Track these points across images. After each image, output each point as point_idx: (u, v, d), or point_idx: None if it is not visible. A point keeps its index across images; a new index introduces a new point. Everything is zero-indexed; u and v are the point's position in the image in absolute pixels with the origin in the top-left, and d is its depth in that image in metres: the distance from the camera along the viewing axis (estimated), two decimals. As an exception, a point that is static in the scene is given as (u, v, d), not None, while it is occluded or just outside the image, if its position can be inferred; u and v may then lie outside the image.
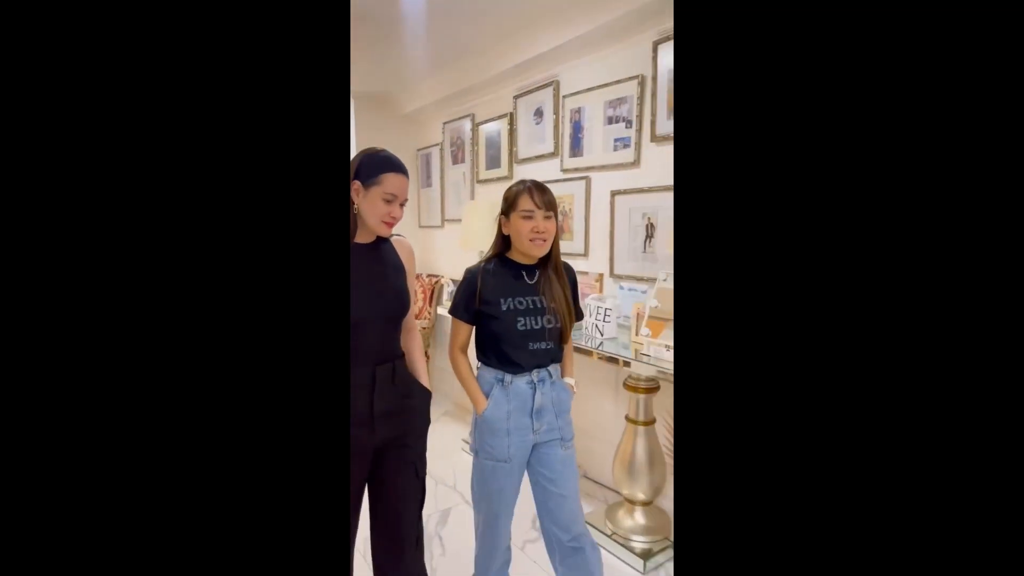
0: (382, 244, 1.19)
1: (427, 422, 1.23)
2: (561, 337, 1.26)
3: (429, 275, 3.42)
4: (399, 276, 1.19)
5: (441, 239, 3.47)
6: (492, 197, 2.70)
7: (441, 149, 3.34)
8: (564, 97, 2.35)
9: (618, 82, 2.07)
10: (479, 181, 3.00)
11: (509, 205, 1.23)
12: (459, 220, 3.00)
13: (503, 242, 1.27)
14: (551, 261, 1.26)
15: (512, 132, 2.70)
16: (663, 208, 1.93)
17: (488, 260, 1.29)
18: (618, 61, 2.09)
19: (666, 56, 1.87)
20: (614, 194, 2.12)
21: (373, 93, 3.36)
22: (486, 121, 2.89)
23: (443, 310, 2.94)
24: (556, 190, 2.38)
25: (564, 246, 2.42)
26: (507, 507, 1.28)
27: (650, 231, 2.00)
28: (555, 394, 1.27)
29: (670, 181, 1.83)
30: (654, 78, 1.92)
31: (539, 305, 1.23)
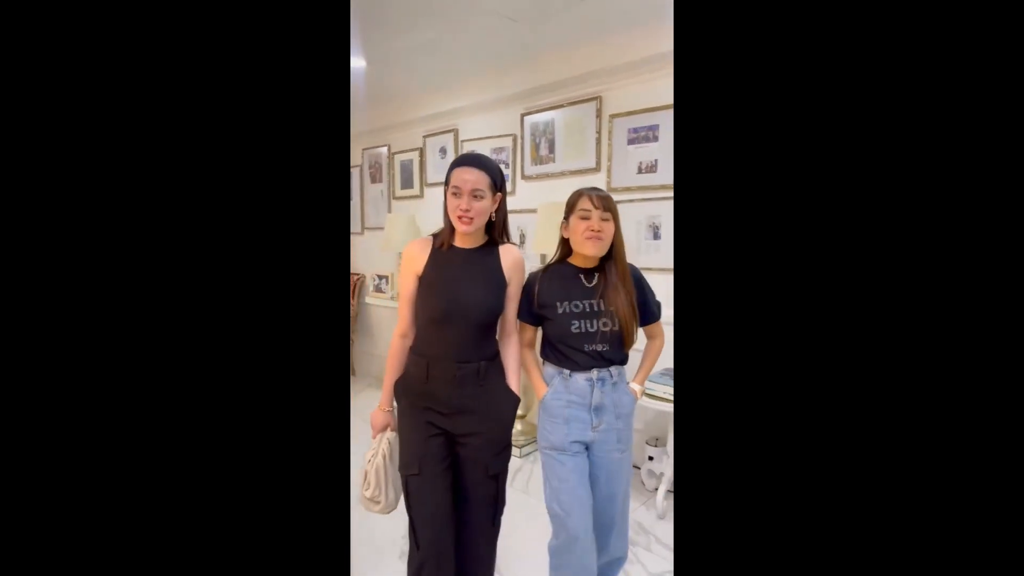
0: (485, 250, 1.24)
1: (507, 425, 1.26)
2: (622, 341, 1.26)
3: (352, 273, 4.12)
4: (494, 283, 1.23)
5: (361, 243, 4.18)
6: (409, 212, 3.51)
7: (361, 170, 4.07)
8: (462, 141, 3.24)
9: (499, 136, 3.02)
10: (395, 198, 3.79)
11: (569, 208, 1.27)
12: (380, 228, 3.76)
13: (564, 246, 1.32)
14: (613, 265, 1.26)
15: (422, 162, 3.53)
16: (530, 223, 2.90)
17: (548, 265, 1.34)
18: (498, 122, 3.03)
19: (528, 123, 2.84)
20: (498, 213, 3.06)
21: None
22: (400, 152, 3.69)
23: (371, 300, 3.69)
24: (457, 208, 3.26)
25: (464, 249, 3.28)
26: (580, 499, 1.24)
27: (522, 239, 2.96)
28: (616, 396, 1.27)
29: (535, 205, 2.78)
30: (521, 137, 2.90)
31: (596, 308, 1.24)
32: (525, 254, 2.94)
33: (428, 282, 1.21)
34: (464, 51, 2.62)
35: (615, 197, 2.61)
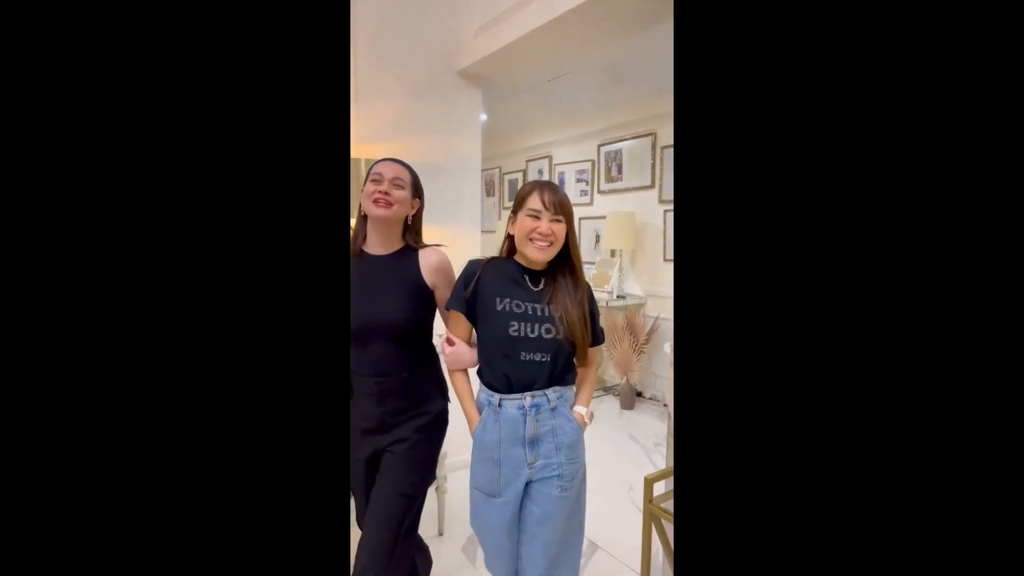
0: (402, 255, 1.15)
1: (432, 445, 1.19)
2: (566, 355, 1.09)
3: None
4: (413, 291, 1.13)
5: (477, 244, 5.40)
6: (513, 218, 4.62)
7: (480, 187, 5.27)
8: (555, 165, 4.28)
9: (581, 161, 4.01)
10: (504, 208, 4.93)
11: (518, 203, 1.13)
12: (492, 231, 4.93)
13: (509, 242, 1.17)
14: (567, 269, 1.12)
15: (524, 181, 4.63)
16: (603, 227, 3.85)
17: (493, 258, 1.18)
18: (581, 151, 4.03)
19: (603, 152, 3.80)
20: (580, 219, 4.04)
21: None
22: (508, 173, 4.82)
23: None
24: (550, 216, 4.29)
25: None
26: (504, 553, 1.11)
27: (597, 239, 3.92)
28: (555, 422, 1.09)
29: (606, 213, 3.71)
30: (598, 162, 3.87)
31: (542, 313, 1.08)
32: (599, 250, 3.88)
33: None
34: (558, 105, 3.66)
35: (663, 208, 3.57)
